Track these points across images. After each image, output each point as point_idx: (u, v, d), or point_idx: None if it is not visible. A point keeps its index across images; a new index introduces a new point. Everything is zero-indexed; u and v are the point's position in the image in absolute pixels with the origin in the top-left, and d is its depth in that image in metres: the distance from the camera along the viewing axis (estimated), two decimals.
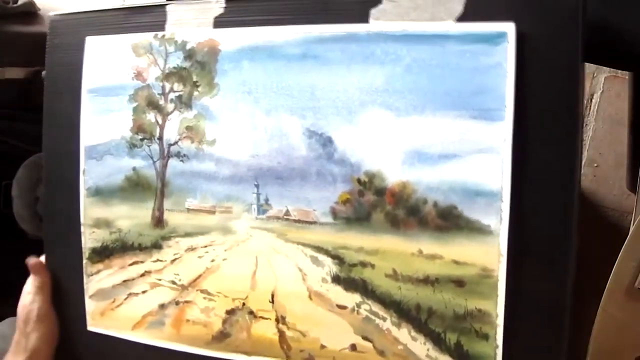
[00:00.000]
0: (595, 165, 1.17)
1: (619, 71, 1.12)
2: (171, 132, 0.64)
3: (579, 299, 0.74)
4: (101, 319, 0.68)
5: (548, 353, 0.54)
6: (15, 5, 0.85)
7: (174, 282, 0.64)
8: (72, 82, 0.68)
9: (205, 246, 0.63)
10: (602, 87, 1.16)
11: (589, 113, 1.17)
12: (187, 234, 0.63)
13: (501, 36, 0.52)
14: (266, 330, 0.61)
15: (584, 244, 1.06)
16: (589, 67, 1.17)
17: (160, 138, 0.64)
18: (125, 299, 0.67)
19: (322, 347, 0.59)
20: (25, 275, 0.73)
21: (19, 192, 0.88)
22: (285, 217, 0.59)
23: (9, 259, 0.88)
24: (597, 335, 0.55)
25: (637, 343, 0.54)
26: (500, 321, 0.54)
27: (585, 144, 1.17)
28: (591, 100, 1.17)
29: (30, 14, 0.86)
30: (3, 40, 0.83)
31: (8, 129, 0.93)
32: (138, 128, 0.65)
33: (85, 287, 0.69)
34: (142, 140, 0.65)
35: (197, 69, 0.62)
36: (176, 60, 0.63)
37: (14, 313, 0.79)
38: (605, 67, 1.14)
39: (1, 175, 0.91)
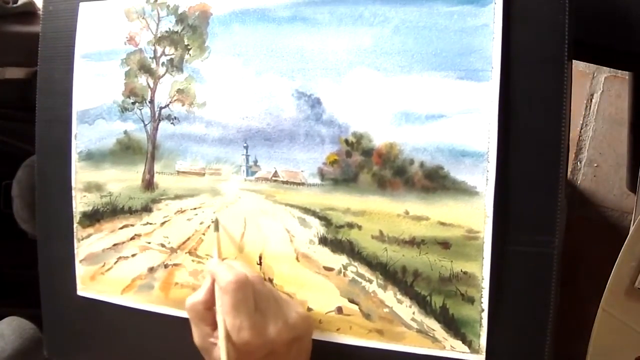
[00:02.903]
0: (595, 165, 1.17)
1: (619, 71, 1.12)
2: (162, 95, 0.64)
3: (579, 299, 0.74)
4: (91, 284, 0.69)
5: (534, 318, 0.54)
6: (15, 5, 0.84)
7: (163, 245, 0.65)
8: (66, 48, 0.69)
9: (195, 208, 0.63)
10: (602, 87, 1.17)
11: (589, 113, 1.17)
12: (177, 197, 0.64)
13: None
14: None
15: (584, 244, 1.06)
16: (589, 67, 1.17)
17: (152, 101, 0.64)
18: (115, 262, 0.67)
19: (309, 309, 0.59)
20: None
21: (19, 192, 0.88)
22: (273, 178, 0.60)
23: (9, 259, 0.89)
24: (597, 335, 0.55)
25: (637, 343, 0.54)
26: (485, 284, 0.54)
27: (585, 144, 1.17)
28: (591, 100, 1.17)
29: (30, 14, 0.86)
30: (3, 40, 0.83)
31: (8, 129, 0.93)
32: (130, 92, 0.65)
33: (75, 251, 0.69)
34: (133, 103, 0.65)
35: (188, 33, 0.63)
36: (168, 24, 0.64)
37: (14, 313, 0.79)
38: (605, 67, 1.14)
39: (1, 175, 0.91)
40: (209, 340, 0.53)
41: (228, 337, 0.51)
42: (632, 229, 0.56)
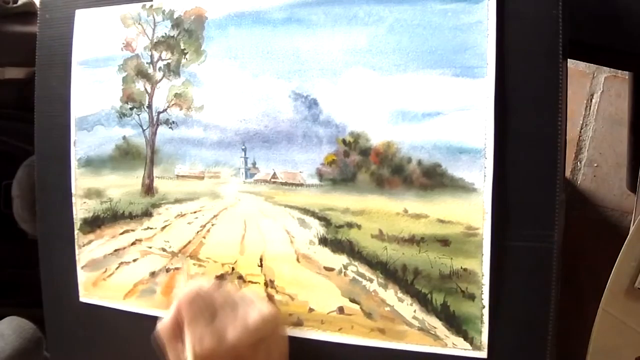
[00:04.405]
0: (595, 165, 1.16)
1: (619, 71, 1.12)
2: (160, 100, 0.64)
3: (579, 299, 0.74)
4: (93, 290, 0.69)
5: (535, 313, 0.54)
6: (15, 5, 0.85)
7: (164, 249, 0.65)
8: (63, 55, 0.69)
9: (195, 212, 0.63)
10: (602, 87, 1.16)
11: (589, 113, 1.17)
12: (177, 201, 0.64)
13: None
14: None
15: (584, 244, 1.06)
16: (589, 67, 1.17)
17: (150, 106, 0.65)
18: (117, 268, 0.67)
19: (311, 310, 0.59)
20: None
21: (19, 192, 0.89)
22: (272, 180, 0.60)
23: (9, 259, 0.89)
24: (597, 335, 0.55)
25: (637, 343, 0.54)
26: (485, 280, 0.54)
27: (585, 144, 1.17)
28: (591, 100, 1.17)
29: (30, 14, 0.86)
30: (3, 40, 0.84)
31: (8, 129, 0.94)
32: (128, 97, 0.66)
33: (77, 258, 0.69)
34: (131, 109, 0.66)
35: (184, 37, 0.63)
36: (164, 29, 0.64)
37: (14, 313, 0.79)
38: (605, 67, 1.14)
39: (1, 175, 0.91)
40: (182, 358, 0.54)
41: (193, 350, 0.52)
42: (632, 229, 0.56)
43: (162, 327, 0.55)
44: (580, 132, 1.17)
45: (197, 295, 0.54)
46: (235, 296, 0.56)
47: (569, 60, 0.54)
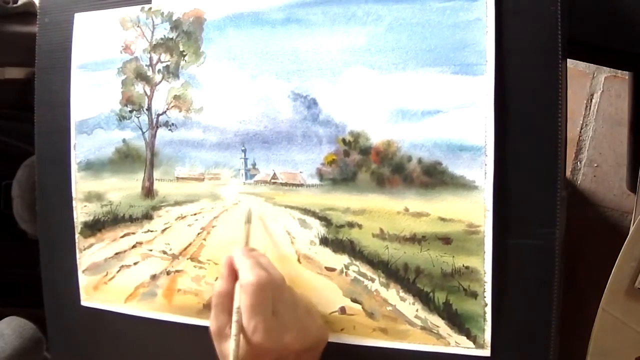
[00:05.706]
0: (595, 165, 1.16)
1: (619, 71, 1.12)
2: (159, 103, 0.64)
3: (579, 299, 0.74)
4: (94, 293, 0.69)
5: (538, 311, 0.54)
6: (15, 5, 0.85)
7: (164, 252, 0.65)
8: (62, 59, 0.69)
9: (195, 214, 0.63)
10: (602, 87, 1.16)
11: (589, 113, 1.17)
12: (177, 203, 0.64)
13: None
14: None
15: (584, 244, 1.06)
16: (589, 67, 1.17)
17: (149, 109, 0.65)
18: (118, 271, 0.67)
19: None
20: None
21: (19, 192, 0.89)
22: (272, 180, 0.60)
23: (9, 259, 0.89)
24: (597, 335, 0.55)
25: (637, 343, 0.54)
26: (488, 278, 0.54)
27: (585, 144, 1.17)
28: (591, 100, 1.17)
29: (30, 14, 0.86)
30: (3, 40, 0.84)
31: (8, 129, 0.94)
32: (127, 100, 0.66)
33: (78, 262, 0.69)
34: (131, 111, 0.66)
35: (183, 39, 0.63)
36: (163, 31, 0.64)
37: (14, 313, 0.79)
38: (605, 67, 1.14)
39: (1, 175, 0.91)
40: (224, 331, 0.52)
41: (241, 335, 0.50)
42: (632, 229, 0.56)
43: (219, 291, 0.53)
44: (580, 132, 1.17)
45: (270, 285, 0.51)
46: (297, 299, 0.56)
47: (569, 60, 0.54)
